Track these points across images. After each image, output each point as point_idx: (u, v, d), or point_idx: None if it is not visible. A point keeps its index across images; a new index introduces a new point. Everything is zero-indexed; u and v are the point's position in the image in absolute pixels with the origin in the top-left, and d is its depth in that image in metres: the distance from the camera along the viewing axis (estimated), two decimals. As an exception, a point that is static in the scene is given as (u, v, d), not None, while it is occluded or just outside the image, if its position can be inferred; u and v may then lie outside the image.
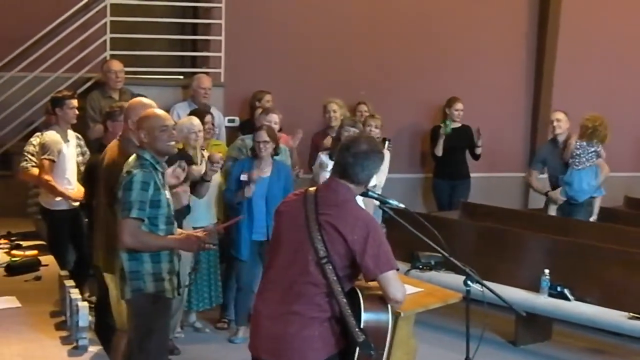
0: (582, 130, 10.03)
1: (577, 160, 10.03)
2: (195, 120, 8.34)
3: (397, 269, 4.73)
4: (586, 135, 10.00)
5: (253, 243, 8.48)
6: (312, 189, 4.90)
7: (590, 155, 10.01)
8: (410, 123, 12.72)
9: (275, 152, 8.59)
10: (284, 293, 4.72)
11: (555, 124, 10.38)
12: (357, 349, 4.60)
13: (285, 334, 4.68)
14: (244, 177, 8.39)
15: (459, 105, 11.91)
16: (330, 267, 4.58)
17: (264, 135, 8.43)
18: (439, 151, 11.83)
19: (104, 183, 6.25)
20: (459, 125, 11.92)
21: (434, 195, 12.22)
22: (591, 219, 10.18)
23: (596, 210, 10.26)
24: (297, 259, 4.70)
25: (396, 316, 6.25)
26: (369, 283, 4.76)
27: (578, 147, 10.05)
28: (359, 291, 4.73)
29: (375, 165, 4.82)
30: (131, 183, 5.51)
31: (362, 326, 4.60)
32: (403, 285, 4.75)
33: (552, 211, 10.43)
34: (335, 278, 4.58)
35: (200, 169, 8.05)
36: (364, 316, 4.62)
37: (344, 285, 4.63)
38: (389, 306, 4.73)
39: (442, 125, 11.78)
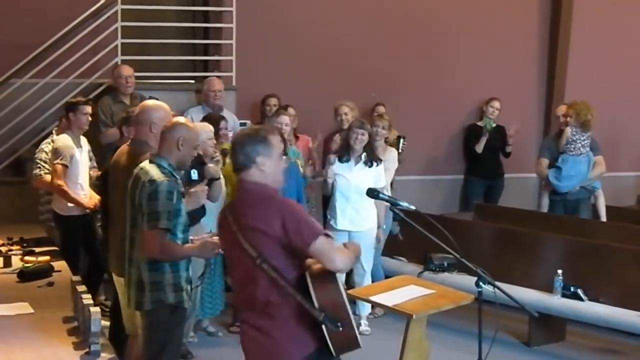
0: (580, 118, 10.11)
1: (572, 146, 10.17)
2: (209, 127, 8.33)
3: (328, 235, 4.69)
4: (584, 124, 10.11)
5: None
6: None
7: (585, 142, 10.15)
8: (425, 124, 12.62)
9: (285, 152, 8.58)
10: (251, 305, 4.75)
11: (562, 119, 10.49)
12: (324, 327, 4.58)
13: (262, 341, 4.71)
14: None
15: (496, 104, 12.06)
16: (267, 265, 4.60)
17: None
18: (480, 148, 11.91)
19: (120, 186, 6.12)
20: (495, 124, 12.02)
21: (466, 194, 12.33)
22: (601, 219, 10.24)
23: (602, 208, 10.45)
24: (243, 270, 4.74)
25: (408, 318, 6.27)
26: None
27: (574, 133, 10.15)
28: (307, 273, 4.69)
29: (250, 145, 4.81)
30: (157, 193, 5.43)
31: (316, 305, 4.59)
32: (337, 253, 4.69)
33: (545, 205, 10.58)
34: (275, 274, 4.60)
35: (216, 169, 7.99)
36: (315, 295, 4.60)
37: (288, 275, 4.63)
38: (336, 275, 4.71)
39: (485, 124, 11.91)
